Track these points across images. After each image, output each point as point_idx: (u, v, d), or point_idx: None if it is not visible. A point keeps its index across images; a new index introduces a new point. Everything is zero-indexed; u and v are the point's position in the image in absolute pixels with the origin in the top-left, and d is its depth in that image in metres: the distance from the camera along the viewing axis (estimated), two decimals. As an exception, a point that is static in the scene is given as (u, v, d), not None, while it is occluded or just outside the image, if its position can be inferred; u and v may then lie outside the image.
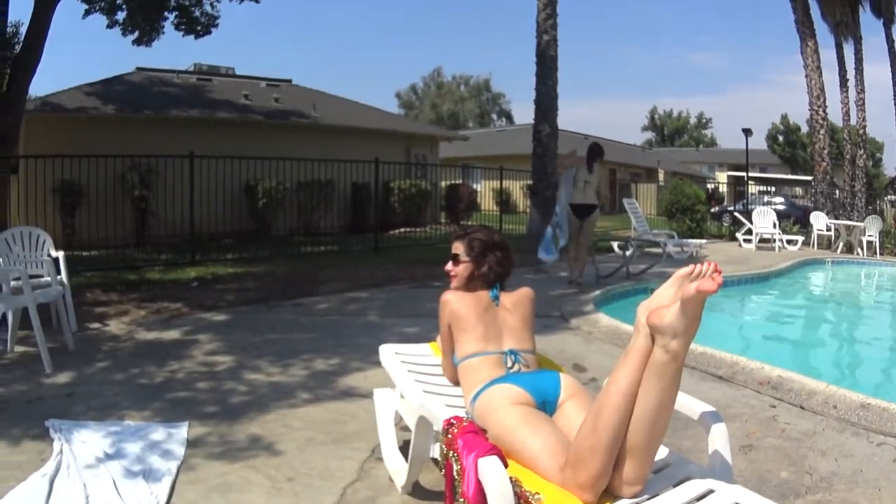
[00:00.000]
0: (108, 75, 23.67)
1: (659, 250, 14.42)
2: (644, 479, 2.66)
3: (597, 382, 5.76)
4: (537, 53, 17.42)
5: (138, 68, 25.24)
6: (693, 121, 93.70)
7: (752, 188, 29.54)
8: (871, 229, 20.10)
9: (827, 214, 22.27)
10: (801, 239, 20.62)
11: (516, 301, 3.72)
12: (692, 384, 5.84)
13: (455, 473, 2.79)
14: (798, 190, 39.68)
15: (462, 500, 2.69)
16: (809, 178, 27.97)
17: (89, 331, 7.68)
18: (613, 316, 8.55)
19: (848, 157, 25.51)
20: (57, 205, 16.14)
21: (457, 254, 3.83)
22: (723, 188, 39.28)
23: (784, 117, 68.81)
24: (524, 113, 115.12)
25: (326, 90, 29.34)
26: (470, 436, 2.79)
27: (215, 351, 6.92)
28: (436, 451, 3.33)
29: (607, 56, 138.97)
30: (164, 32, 17.76)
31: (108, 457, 4.14)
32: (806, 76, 23.56)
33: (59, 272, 7.57)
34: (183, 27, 17.62)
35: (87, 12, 16.42)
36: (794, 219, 25.20)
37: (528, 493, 2.58)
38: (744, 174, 27.45)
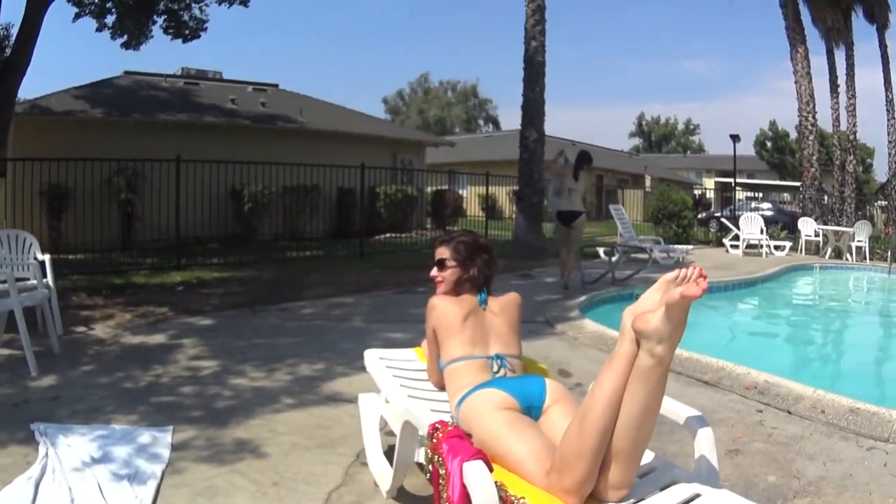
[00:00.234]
0: (97, 79, 23.62)
1: (645, 256, 14.43)
2: (630, 484, 2.66)
3: (582, 387, 5.76)
4: (525, 59, 17.48)
5: (126, 72, 25.15)
6: (681, 127, 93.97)
7: (740, 194, 29.64)
8: (861, 235, 20.20)
9: (816, 220, 22.34)
10: (788, 244, 20.71)
11: (504, 305, 3.72)
12: (678, 389, 5.85)
13: (440, 478, 2.78)
14: (786, 196, 39.80)
15: (447, 504, 2.69)
16: (798, 183, 28.05)
17: (75, 334, 7.64)
18: (599, 321, 8.55)
19: (837, 162, 25.59)
20: (44, 208, 16.06)
21: (442, 259, 3.80)
22: (710, 194, 39.35)
23: (772, 123, 68.87)
24: (511, 119, 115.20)
25: (313, 95, 29.29)
26: (455, 440, 2.78)
27: (200, 355, 6.90)
28: (421, 455, 3.32)
29: (595, 62, 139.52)
30: (152, 36, 17.79)
31: (94, 460, 4.12)
32: (795, 82, 23.61)
33: (45, 275, 7.52)
34: (171, 31, 17.64)
35: (78, 15, 16.41)
36: (782, 224, 25.31)
37: (513, 498, 2.58)
38: (731, 180, 27.49)
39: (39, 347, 6.56)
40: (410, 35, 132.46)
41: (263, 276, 12.81)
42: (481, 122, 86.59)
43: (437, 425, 2.93)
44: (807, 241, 21.48)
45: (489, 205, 24.80)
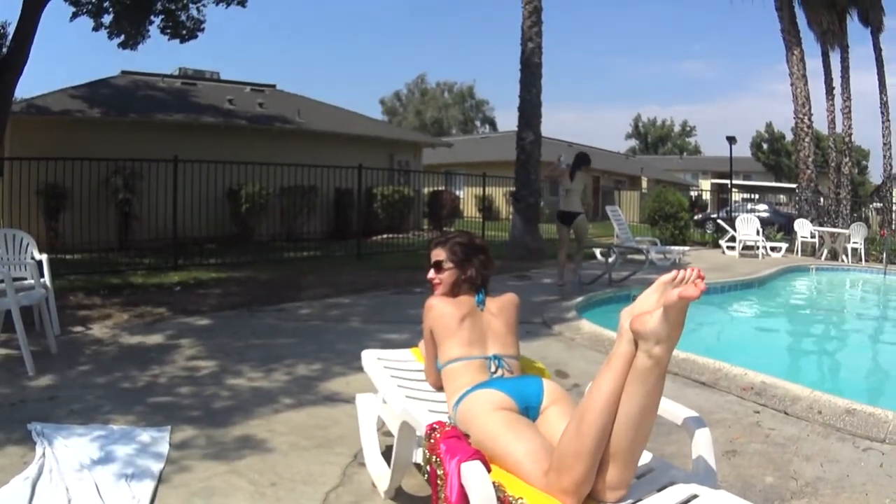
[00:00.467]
0: (94, 78, 23.59)
1: (642, 257, 14.45)
2: (627, 484, 2.67)
3: (579, 388, 5.77)
4: (522, 61, 17.49)
5: (124, 72, 25.11)
6: (677, 129, 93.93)
7: (736, 195, 29.66)
8: (857, 236, 20.23)
9: (811, 222, 22.39)
10: (784, 246, 20.71)
11: (501, 306, 3.72)
12: (675, 390, 5.86)
13: (438, 479, 2.79)
14: (782, 197, 39.76)
15: (445, 504, 2.69)
16: (794, 185, 28.11)
17: (72, 334, 7.64)
18: (596, 322, 8.56)
19: (833, 164, 25.63)
20: (41, 207, 16.06)
21: (439, 260, 3.80)
22: (706, 195, 39.36)
23: (769, 125, 68.87)
24: (508, 120, 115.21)
25: (310, 96, 29.29)
26: (453, 441, 2.78)
27: (198, 355, 6.89)
28: (419, 456, 3.32)
29: (592, 64, 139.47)
30: (149, 36, 17.76)
31: (91, 461, 4.12)
32: (791, 84, 23.67)
33: (42, 275, 7.52)
34: (169, 31, 17.62)
35: (75, 15, 16.39)
36: (778, 226, 25.29)
37: (511, 498, 2.58)
38: (728, 181, 27.52)
39: (36, 347, 6.56)
40: (407, 36, 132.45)
41: (261, 276, 12.80)
42: (478, 123, 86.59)
43: (434, 426, 2.93)
44: (803, 243, 21.50)
45: (486, 206, 24.79)
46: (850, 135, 25.18)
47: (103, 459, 4.15)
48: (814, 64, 24.76)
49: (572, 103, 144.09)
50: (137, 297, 10.11)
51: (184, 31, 17.71)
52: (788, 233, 23.25)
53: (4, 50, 13.43)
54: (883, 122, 24.61)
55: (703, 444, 2.98)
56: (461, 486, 2.59)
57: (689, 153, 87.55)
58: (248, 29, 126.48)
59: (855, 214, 25.05)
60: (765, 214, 28.70)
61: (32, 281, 7.19)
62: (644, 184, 46.41)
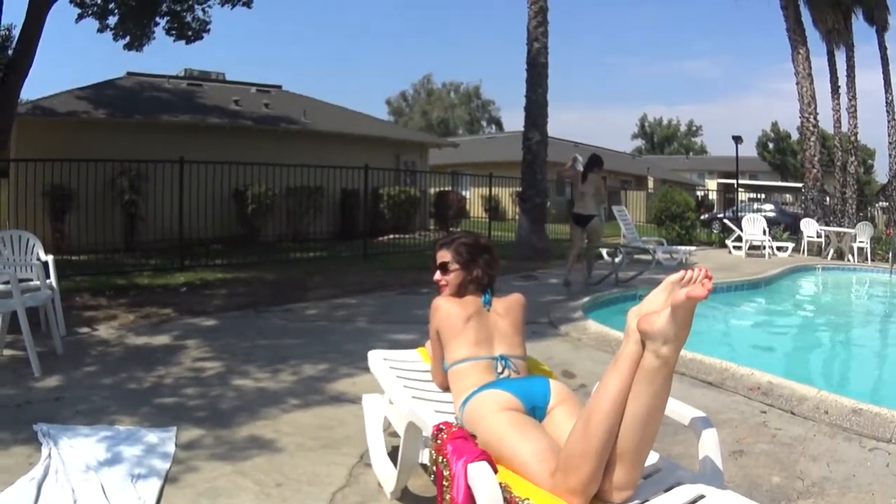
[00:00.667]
0: (100, 80, 23.64)
1: (648, 257, 14.42)
2: (634, 485, 2.66)
3: (586, 389, 5.74)
4: (528, 61, 17.46)
5: (129, 73, 25.18)
6: (683, 128, 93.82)
7: (742, 195, 29.63)
8: (863, 236, 20.20)
9: (817, 221, 22.35)
10: (791, 246, 20.70)
11: (508, 306, 3.70)
12: (682, 390, 5.84)
13: (444, 479, 2.78)
14: (788, 197, 39.73)
15: (452, 505, 2.68)
16: (800, 185, 28.06)
17: (78, 335, 7.65)
18: (602, 322, 8.53)
19: (839, 163, 25.60)
20: (47, 208, 16.06)
21: (445, 262, 3.79)
22: (712, 195, 39.35)
23: (774, 125, 68.71)
24: (514, 120, 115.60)
25: (316, 96, 29.37)
26: (459, 441, 2.77)
27: (204, 356, 6.90)
28: (425, 456, 3.31)
29: (598, 64, 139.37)
30: (155, 37, 17.80)
31: (97, 461, 4.12)
32: (797, 83, 23.64)
33: (48, 276, 7.53)
34: (174, 32, 17.67)
35: (80, 16, 16.44)
36: (785, 226, 25.28)
37: (517, 499, 2.57)
38: (734, 181, 27.48)
39: (42, 348, 6.57)
40: (413, 36, 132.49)
41: (267, 277, 12.81)
42: (484, 123, 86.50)
43: (441, 426, 2.92)
44: (809, 242, 21.44)
45: (492, 206, 24.81)
46: (855, 134, 25.12)
47: (109, 460, 4.15)
48: (819, 63, 24.83)
49: (576, 103, 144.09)
50: (143, 298, 10.12)
51: (189, 33, 17.75)
52: (794, 232, 23.20)
53: (10, 52, 13.50)
54: (888, 121, 24.52)
55: (709, 445, 2.97)
56: (468, 487, 2.58)
57: (696, 153, 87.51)
58: (253, 30, 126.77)
59: (861, 214, 25.04)
60: (771, 214, 28.70)
61: (38, 282, 7.20)
62: (650, 184, 46.35)
